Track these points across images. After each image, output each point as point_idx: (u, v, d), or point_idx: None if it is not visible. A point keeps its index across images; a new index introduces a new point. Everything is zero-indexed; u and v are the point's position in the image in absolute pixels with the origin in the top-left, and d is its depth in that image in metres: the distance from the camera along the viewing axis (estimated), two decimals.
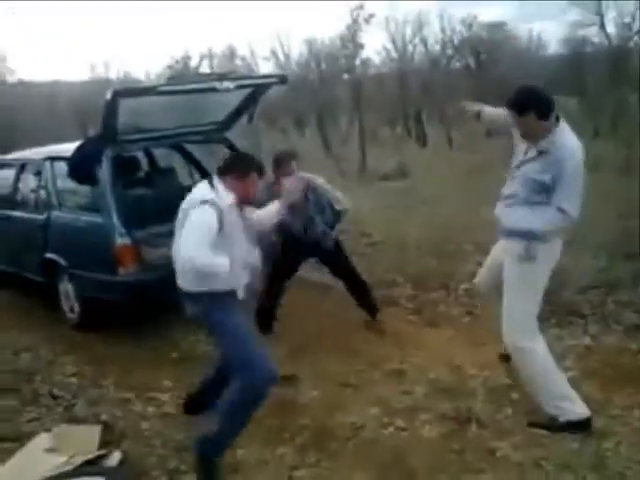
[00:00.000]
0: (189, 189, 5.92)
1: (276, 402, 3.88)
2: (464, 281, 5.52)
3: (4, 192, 6.32)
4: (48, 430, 3.63)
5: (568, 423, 3.35)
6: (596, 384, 3.83)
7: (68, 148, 5.37)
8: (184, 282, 3.28)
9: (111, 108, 4.63)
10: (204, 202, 3.15)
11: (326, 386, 4.08)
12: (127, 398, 4.09)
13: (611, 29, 22.25)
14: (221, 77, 5.03)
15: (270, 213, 3.65)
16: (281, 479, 3.18)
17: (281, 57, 29.71)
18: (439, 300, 5.50)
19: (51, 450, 3.38)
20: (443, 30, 27.05)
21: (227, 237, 3.15)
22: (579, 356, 4.22)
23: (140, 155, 6.32)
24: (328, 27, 50.31)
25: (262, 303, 4.93)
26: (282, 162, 4.78)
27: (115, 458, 3.31)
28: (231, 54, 32.22)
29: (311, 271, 5.80)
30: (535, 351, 3.39)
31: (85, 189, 5.31)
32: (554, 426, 3.37)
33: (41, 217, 5.55)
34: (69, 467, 3.16)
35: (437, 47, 27.83)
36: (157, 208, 5.44)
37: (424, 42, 27.82)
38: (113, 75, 33.01)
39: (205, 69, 30.72)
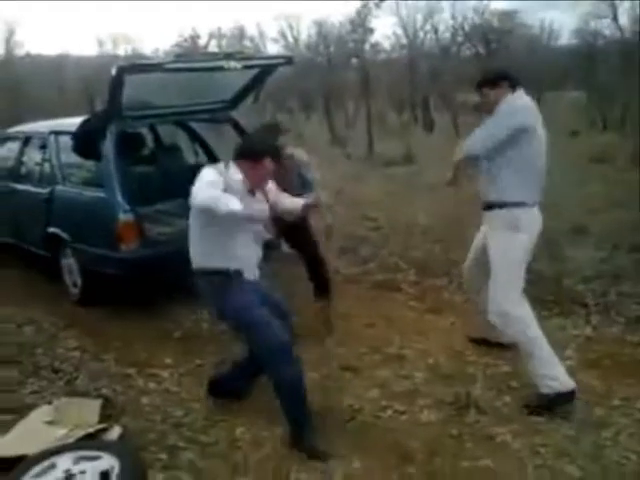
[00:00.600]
0: (193, 167, 5.94)
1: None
2: None
3: (9, 165, 6.32)
4: (49, 403, 3.64)
5: (557, 395, 3.41)
6: (596, 374, 3.83)
7: (73, 122, 5.36)
8: (192, 258, 3.31)
9: (117, 84, 4.60)
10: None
11: (326, 368, 4.08)
12: (128, 373, 4.10)
13: (624, 22, 22.07)
14: (228, 56, 5.00)
15: (295, 205, 3.56)
16: (279, 459, 3.18)
17: (290, 39, 29.60)
18: (442, 286, 5.50)
19: (51, 423, 3.39)
20: (454, 17, 26.87)
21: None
22: (580, 346, 4.21)
23: (145, 132, 6.30)
24: (338, 10, 49.88)
25: None
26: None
27: (115, 432, 3.32)
28: (240, 34, 32.11)
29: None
30: (524, 318, 3.50)
31: (89, 164, 5.31)
32: (545, 404, 3.43)
33: (45, 191, 5.55)
34: (69, 440, 3.17)
35: (447, 34, 27.67)
36: (161, 185, 5.45)
37: (435, 28, 27.66)
38: (121, 51, 32.95)
39: (213, 49, 30.62)
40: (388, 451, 3.22)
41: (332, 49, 27.24)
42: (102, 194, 4.94)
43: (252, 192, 3.32)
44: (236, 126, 5.81)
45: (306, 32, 31.52)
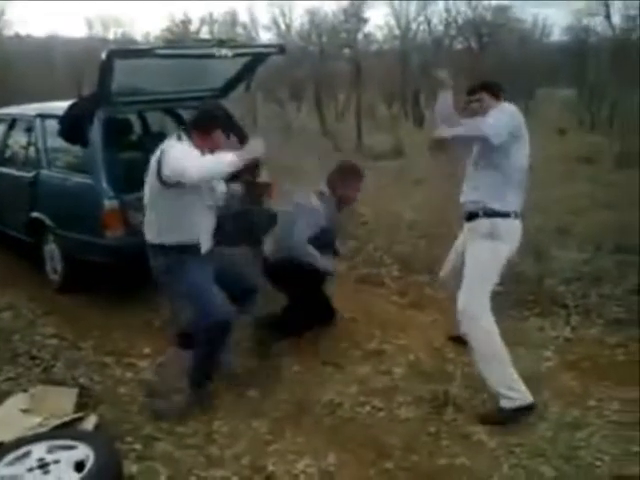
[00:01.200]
0: None
1: (256, 375, 3.91)
2: None
3: None
4: (25, 390, 3.62)
5: (515, 410, 3.36)
6: (574, 376, 3.86)
7: (60, 106, 5.28)
8: (150, 236, 3.48)
9: (106, 68, 4.54)
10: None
11: (307, 362, 4.08)
12: (106, 362, 4.07)
13: (616, 20, 22.14)
14: (220, 44, 4.96)
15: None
16: (255, 452, 3.19)
17: (282, 26, 29.44)
18: (425, 283, 5.50)
19: (27, 411, 3.37)
20: (448, 10, 26.83)
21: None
22: (559, 347, 4.23)
23: (133, 118, 6.24)
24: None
25: None
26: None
27: (91, 422, 3.30)
28: (232, 21, 31.90)
29: None
30: (492, 331, 3.42)
31: (75, 149, 5.24)
32: (503, 417, 3.36)
33: (29, 175, 5.48)
34: (44, 428, 3.15)
35: (440, 27, 27.63)
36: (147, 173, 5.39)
37: (428, 21, 27.61)
38: (111, 35, 32.65)
39: (205, 35, 30.43)
40: (365, 447, 3.23)
41: (324, 39, 27.11)
42: (87, 180, 4.89)
43: None
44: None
45: (299, 20, 31.36)
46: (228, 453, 3.18)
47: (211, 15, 31.87)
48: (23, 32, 29.79)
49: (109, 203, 4.71)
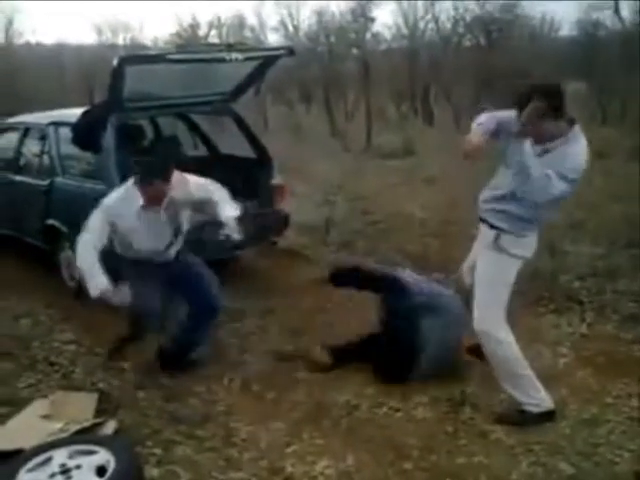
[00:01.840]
0: (193, 159, 5.95)
1: (273, 377, 3.93)
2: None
3: (8, 156, 6.30)
4: (44, 396, 3.65)
5: (538, 415, 3.34)
6: (590, 372, 3.85)
7: (73, 113, 5.35)
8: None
9: (118, 75, 4.59)
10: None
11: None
12: (124, 367, 4.10)
13: (625, 14, 21.97)
14: (230, 48, 4.99)
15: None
16: (274, 454, 3.20)
17: (290, 28, 29.45)
18: (439, 282, 5.49)
19: (47, 416, 3.40)
20: (456, 7, 26.70)
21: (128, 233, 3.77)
22: (574, 343, 4.22)
23: (145, 123, 6.28)
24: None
25: None
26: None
27: (110, 427, 3.32)
28: (240, 24, 31.95)
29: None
30: (509, 341, 3.33)
31: (89, 156, 5.29)
32: (524, 420, 3.34)
33: (44, 183, 5.54)
34: (64, 434, 3.18)
35: (448, 25, 27.51)
36: None
37: (435, 19, 27.48)
38: (120, 40, 32.81)
39: (213, 38, 30.51)
40: (383, 447, 3.24)
41: (332, 39, 27.07)
42: (101, 186, 4.92)
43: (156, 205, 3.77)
44: (236, 118, 5.80)
45: (307, 21, 31.31)
46: (247, 455, 3.20)
47: (219, 19, 31.86)
48: (33, 40, 29.96)
49: None
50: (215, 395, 3.77)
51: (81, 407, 3.48)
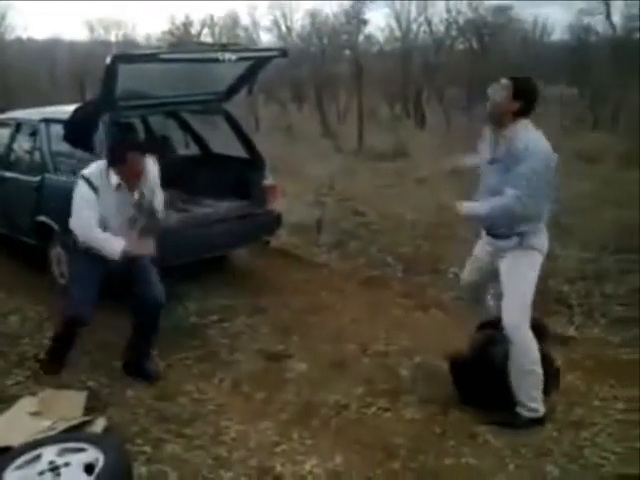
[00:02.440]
0: (185, 158, 5.93)
1: (263, 377, 3.94)
2: (455, 265, 5.53)
3: None
4: (33, 394, 3.64)
5: (530, 420, 3.36)
6: (578, 375, 3.88)
7: (65, 110, 5.32)
8: None
9: (111, 73, 4.58)
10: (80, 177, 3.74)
11: (314, 364, 4.11)
12: (113, 365, 4.09)
13: (617, 19, 22.15)
14: (223, 48, 5.00)
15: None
16: (263, 453, 3.21)
17: (283, 29, 29.47)
18: (429, 283, 5.53)
19: (36, 414, 3.38)
20: (449, 10, 26.80)
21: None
22: (563, 346, 4.25)
23: (136, 122, 6.26)
24: (332, 2, 49.31)
25: None
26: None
27: (100, 425, 3.32)
28: (233, 23, 31.95)
29: None
30: (533, 341, 3.37)
31: (80, 153, 5.26)
32: (516, 423, 3.37)
33: (35, 179, 5.51)
34: (53, 432, 3.17)
35: (441, 28, 27.61)
36: None
37: (428, 22, 27.58)
38: (112, 37, 32.71)
39: (206, 37, 30.46)
40: (372, 447, 3.26)
41: (325, 40, 27.11)
42: None
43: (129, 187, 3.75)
44: (228, 118, 5.80)
45: (300, 22, 31.37)
46: (236, 455, 3.21)
47: (212, 17, 31.86)
48: (24, 36, 29.76)
49: None
50: (205, 394, 3.77)
51: (70, 405, 3.48)
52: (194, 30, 30.91)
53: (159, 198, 3.96)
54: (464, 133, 17.26)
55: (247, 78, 5.67)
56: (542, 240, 3.43)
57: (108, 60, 4.51)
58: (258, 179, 5.62)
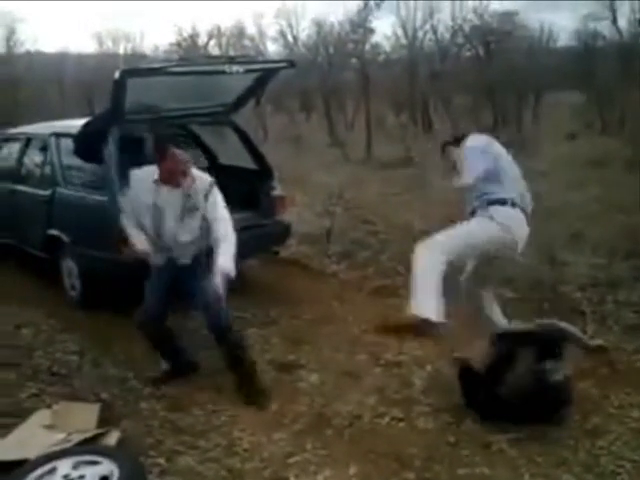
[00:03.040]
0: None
1: (275, 388, 3.93)
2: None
3: (9, 166, 6.33)
4: (48, 407, 3.65)
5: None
6: (593, 383, 3.85)
7: (75, 124, 5.36)
8: None
9: (120, 87, 4.61)
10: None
11: (326, 374, 4.11)
12: (126, 377, 4.11)
13: (623, 24, 22.13)
14: (231, 60, 5.02)
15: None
16: (277, 464, 3.20)
17: (289, 38, 29.59)
18: None
19: (50, 427, 3.40)
20: (454, 18, 26.84)
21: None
22: (577, 354, 4.22)
23: (146, 135, 6.29)
24: (338, 10, 49.54)
25: None
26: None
27: (113, 437, 3.32)
28: (240, 34, 32.10)
29: None
30: (432, 266, 3.71)
31: (90, 167, 5.30)
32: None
33: (45, 193, 5.55)
34: (67, 444, 3.18)
35: (447, 35, 27.65)
36: None
37: (434, 29, 27.63)
38: (121, 50, 32.93)
39: (213, 48, 30.63)
40: (386, 457, 3.25)
41: (331, 50, 27.19)
42: (102, 197, 4.94)
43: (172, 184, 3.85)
44: (236, 129, 5.82)
45: (306, 32, 31.48)
46: (249, 466, 3.20)
47: (219, 28, 32.01)
48: (33, 49, 29.94)
49: None
50: (218, 405, 3.77)
51: (84, 417, 3.48)
52: (201, 41, 31.11)
53: (220, 224, 3.94)
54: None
55: (255, 90, 5.71)
56: (508, 217, 3.75)
57: (117, 75, 4.55)
58: (267, 190, 5.64)
